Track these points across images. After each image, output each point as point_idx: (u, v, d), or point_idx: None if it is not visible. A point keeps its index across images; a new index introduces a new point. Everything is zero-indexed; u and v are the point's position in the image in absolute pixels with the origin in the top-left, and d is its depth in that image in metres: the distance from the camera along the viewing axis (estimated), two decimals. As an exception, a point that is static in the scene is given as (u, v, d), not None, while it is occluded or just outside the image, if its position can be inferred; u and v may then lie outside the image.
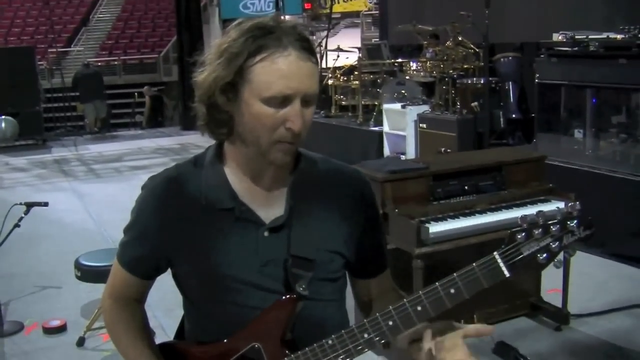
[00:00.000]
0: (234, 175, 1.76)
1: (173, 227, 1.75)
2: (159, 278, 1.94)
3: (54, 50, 21.93)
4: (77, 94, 17.19)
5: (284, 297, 1.72)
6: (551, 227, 1.55)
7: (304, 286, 1.72)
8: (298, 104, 1.62)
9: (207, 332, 1.81)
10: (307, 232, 1.75)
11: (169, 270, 1.87)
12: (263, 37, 1.60)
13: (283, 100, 1.60)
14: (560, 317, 4.79)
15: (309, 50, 1.64)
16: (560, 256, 1.59)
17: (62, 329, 5.12)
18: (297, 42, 1.61)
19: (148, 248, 1.80)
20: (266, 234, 1.74)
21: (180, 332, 1.97)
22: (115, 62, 23.51)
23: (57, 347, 4.88)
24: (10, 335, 5.07)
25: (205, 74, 1.66)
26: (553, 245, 1.55)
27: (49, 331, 5.09)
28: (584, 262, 5.82)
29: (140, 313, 1.95)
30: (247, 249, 1.73)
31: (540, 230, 1.54)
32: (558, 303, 4.81)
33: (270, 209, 1.76)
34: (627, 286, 5.49)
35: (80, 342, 4.85)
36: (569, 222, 1.54)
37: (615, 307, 5.05)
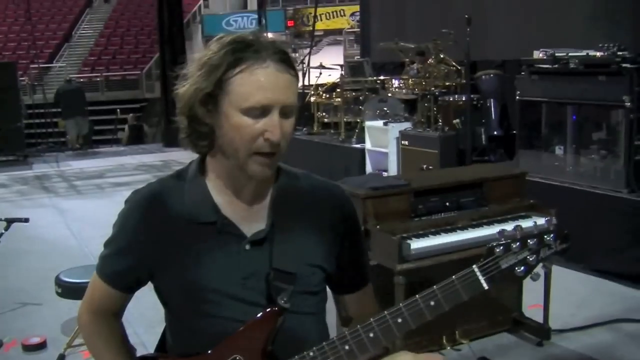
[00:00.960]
0: (215, 189, 1.77)
1: (155, 241, 1.76)
2: (139, 294, 1.94)
3: (36, 65, 21.91)
4: (59, 110, 17.07)
5: (266, 310, 1.73)
6: (528, 240, 1.57)
7: (285, 299, 1.73)
8: (276, 115, 1.63)
9: (189, 344, 1.81)
10: (288, 246, 1.76)
11: (150, 285, 1.87)
12: (242, 50, 1.62)
13: (262, 111, 1.62)
14: (541, 332, 4.80)
15: (287, 62, 1.66)
16: (538, 269, 1.61)
17: (42, 346, 5.07)
18: (276, 55, 1.64)
19: (130, 261, 1.80)
20: (248, 247, 1.75)
21: (161, 345, 1.97)
22: (98, 79, 23.50)
23: (37, 365, 4.84)
24: (-11, 352, 5.04)
25: (186, 87, 1.68)
26: (530, 259, 1.57)
27: (29, 348, 5.04)
28: (565, 278, 5.86)
29: (119, 327, 1.94)
30: (229, 262, 1.74)
31: (518, 244, 1.57)
32: (539, 319, 4.83)
33: (252, 222, 1.77)
34: (607, 301, 5.53)
35: (61, 359, 4.82)
36: (545, 236, 1.57)
37: (596, 322, 5.09)
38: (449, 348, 4.61)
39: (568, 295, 5.55)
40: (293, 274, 1.75)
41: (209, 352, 1.75)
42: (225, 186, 1.77)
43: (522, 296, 4.99)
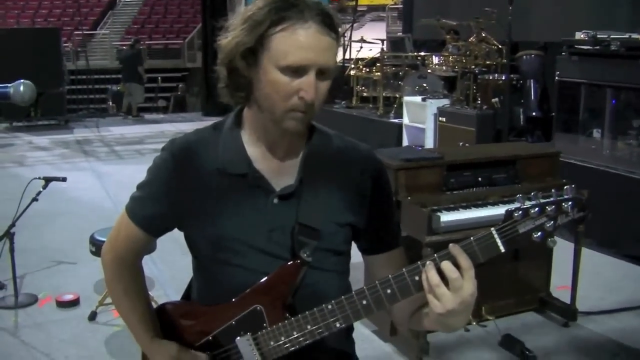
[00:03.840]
0: (250, 142, 1.80)
1: (186, 190, 1.80)
2: (170, 258, 1.99)
3: (80, 32, 22.09)
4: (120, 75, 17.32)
5: (288, 263, 1.76)
6: (547, 207, 1.57)
7: (307, 253, 1.76)
8: (313, 76, 1.65)
9: (213, 293, 1.85)
10: (315, 203, 1.79)
11: (182, 249, 1.91)
12: (286, 9, 1.64)
13: (298, 70, 1.64)
14: (568, 313, 4.80)
15: (329, 25, 1.67)
16: (556, 237, 1.61)
17: (74, 303, 5.21)
18: (318, 16, 1.65)
19: (159, 208, 1.84)
20: (276, 201, 1.78)
21: (186, 295, 2.02)
22: (140, 47, 23.65)
23: (69, 320, 4.96)
24: (24, 307, 5.17)
25: (228, 39, 1.70)
26: (547, 225, 1.57)
27: (62, 305, 5.18)
28: (596, 262, 5.84)
29: (139, 272, 1.99)
30: (256, 215, 1.78)
31: (537, 209, 1.57)
32: (567, 300, 4.82)
33: (282, 177, 1.80)
34: (637, 287, 5.49)
35: (92, 317, 4.94)
36: (564, 204, 1.57)
37: (625, 306, 5.06)
38: (474, 323, 4.63)
39: (598, 279, 5.53)
40: (317, 230, 1.77)
41: (232, 300, 1.79)
42: (259, 139, 1.80)
43: (550, 277, 4.98)
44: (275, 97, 1.67)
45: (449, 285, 1.59)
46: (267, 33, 1.64)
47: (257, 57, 1.67)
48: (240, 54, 1.68)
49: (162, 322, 1.97)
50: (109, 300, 4.87)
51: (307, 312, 1.72)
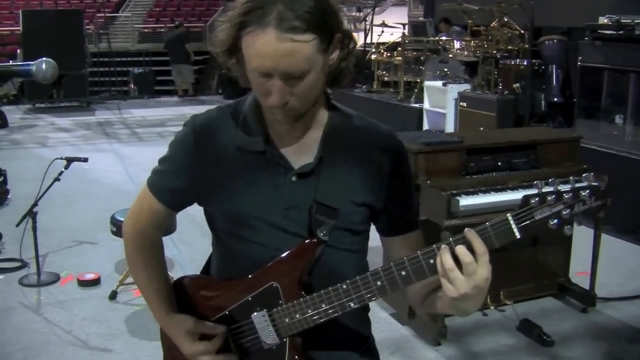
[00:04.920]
0: (269, 120, 1.82)
1: (206, 166, 1.81)
2: (191, 239, 2.00)
3: (102, 15, 22.12)
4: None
5: (306, 241, 1.77)
6: (564, 194, 1.56)
7: (325, 232, 1.77)
8: (277, 80, 1.64)
9: (230, 269, 1.87)
10: (334, 182, 1.79)
11: (202, 230, 1.93)
12: (250, 12, 1.61)
13: (264, 75, 1.64)
14: (587, 299, 4.79)
15: (293, 28, 1.59)
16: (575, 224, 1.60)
17: (96, 282, 5.28)
18: (278, 20, 1.59)
19: (180, 182, 1.86)
20: (294, 179, 1.79)
21: (205, 270, 2.05)
22: (162, 30, 23.65)
23: (90, 299, 5.03)
24: (46, 285, 5.24)
25: (217, 36, 1.72)
26: (564, 212, 1.56)
27: (83, 284, 5.25)
28: (616, 248, 5.81)
29: (158, 246, 2.01)
30: (274, 192, 1.78)
31: (554, 196, 1.56)
32: (586, 286, 4.81)
33: (301, 155, 1.80)
34: (658, 274, 5.47)
35: (113, 296, 4.99)
36: (581, 192, 1.56)
37: (645, 293, 5.05)
38: (492, 308, 4.64)
39: (618, 265, 5.51)
40: (335, 209, 1.78)
41: (249, 276, 1.81)
42: None
43: (569, 262, 4.97)
44: (258, 94, 1.70)
45: (463, 270, 1.58)
46: (238, 35, 1.64)
47: (241, 54, 1.68)
48: (223, 53, 1.70)
49: (179, 296, 1.98)
50: (129, 279, 4.93)
51: (322, 291, 1.73)
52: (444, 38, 10.82)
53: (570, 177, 1.58)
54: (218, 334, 1.88)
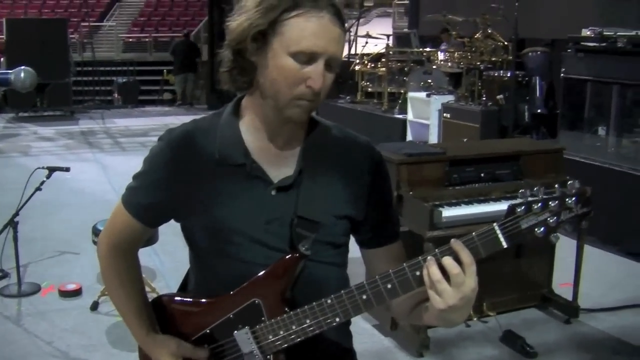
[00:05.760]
0: (248, 132, 1.79)
1: (183, 180, 1.78)
2: (172, 249, 1.98)
3: (87, 24, 22.06)
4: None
5: (287, 256, 1.74)
6: (550, 202, 1.56)
7: (306, 246, 1.74)
8: (322, 65, 1.65)
9: (210, 286, 1.84)
10: (314, 195, 1.78)
11: (184, 243, 1.90)
12: None
13: (309, 58, 1.64)
14: (570, 310, 4.80)
15: (340, 17, 1.67)
16: (559, 234, 1.60)
17: (77, 292, 5.24)
18: (331, 7, 1.65)
19: (156, 197, 1.82)
20: (274, 192, 1.76)
21: (183, 286, 2.01)
22: (147, 39, 23.60)
23: (72, 310, 4.98)
24: (27, 295, 5.19)
25: (240, 20, 1.69)
26: (551, 220, 1.55)
27: (65, 294, 5.21)
28: (599, 259, 5.83)
29: (135, 264, 1.98)
30: (254, 206, 1.76)
31: (540, 204, 1.55)
32: (569, 297, 4.82)
33: (281, 168, 1.79)
34: (640, 284, 5.48)
35: (94, 306, 4.96)
36: (567, 199, 1.55)
37: (627, 304, 5.05)
38: (475, 319, 4.63)
39: (601, 276, 5.52)
40: (317, 222, 1.76)
41: (230, 293, 1.78)
42: (258, 129, 1.78)
43: (552, 273, 4.98)
44: (282, 83, 1.66)
45: (451, 281, 1.57)
46: (281, 18, 1.64)
47: (267, 41, 1.66)
48: (252, 36, 1.67)
49: (159, 315, 1.94)
50: (111, 290, 4.88)
51: (306, 307, 1.70)
52: (428, 49, 10.84)
53: (556, 186, 1.58)
54: (201, 358, 1.85)
